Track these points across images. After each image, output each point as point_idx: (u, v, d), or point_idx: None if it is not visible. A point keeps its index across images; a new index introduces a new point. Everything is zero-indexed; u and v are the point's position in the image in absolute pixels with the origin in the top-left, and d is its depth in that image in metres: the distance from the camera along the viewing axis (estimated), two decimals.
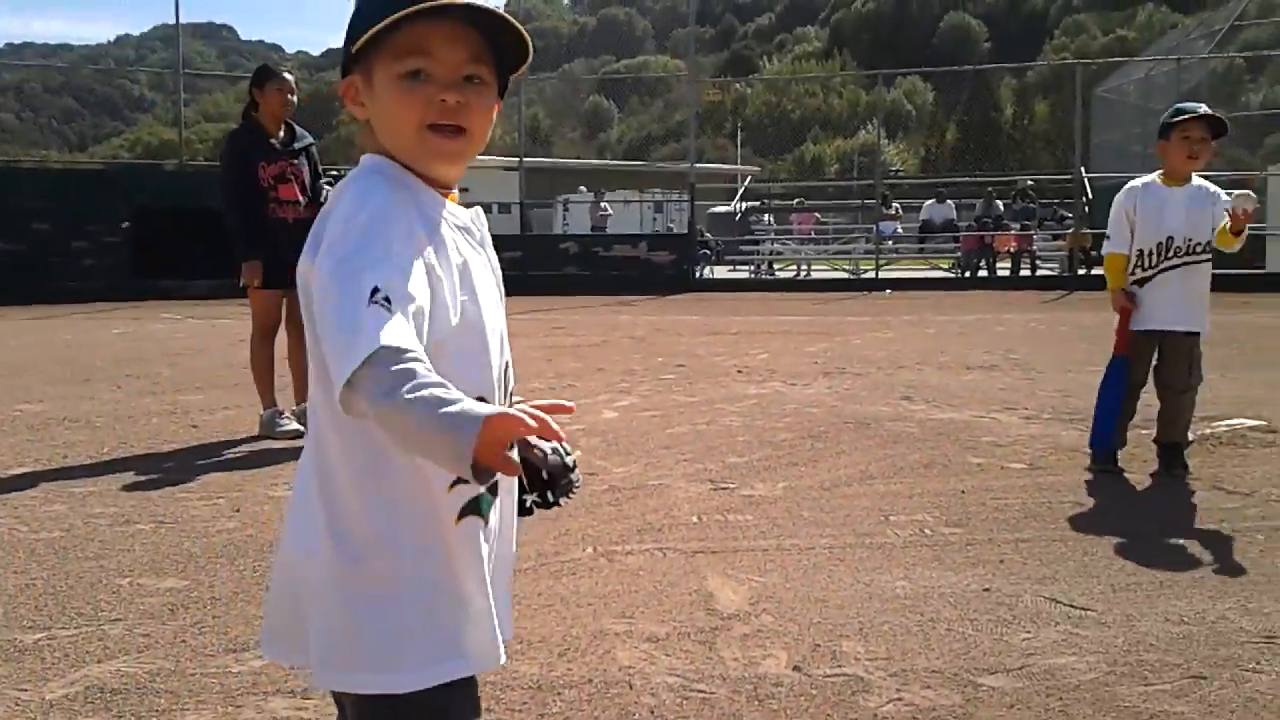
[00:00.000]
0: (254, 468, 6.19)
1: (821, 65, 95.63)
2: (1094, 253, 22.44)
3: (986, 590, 3.98)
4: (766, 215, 32.67)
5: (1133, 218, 5.49)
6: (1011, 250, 23.48)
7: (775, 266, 27.54)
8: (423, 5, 1.48)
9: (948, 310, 17.10)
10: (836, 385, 9.11)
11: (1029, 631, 3.59)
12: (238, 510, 5.22)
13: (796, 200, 35.92)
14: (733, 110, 73.52)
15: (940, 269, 25.62)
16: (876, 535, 4.71)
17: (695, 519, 5.04)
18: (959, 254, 24.55)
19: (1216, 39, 28.45)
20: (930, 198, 26.95)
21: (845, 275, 24.65)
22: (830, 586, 4.06)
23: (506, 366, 1.74)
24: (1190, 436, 5.65)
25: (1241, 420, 6.74)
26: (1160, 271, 5.45)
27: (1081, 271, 21.74)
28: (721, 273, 27.20)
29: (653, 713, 3.05)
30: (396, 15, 1.48)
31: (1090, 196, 23.61)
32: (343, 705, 1.71)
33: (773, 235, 29.65)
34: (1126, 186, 5.64)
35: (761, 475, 5.88)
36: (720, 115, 71.63)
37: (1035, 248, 23.78)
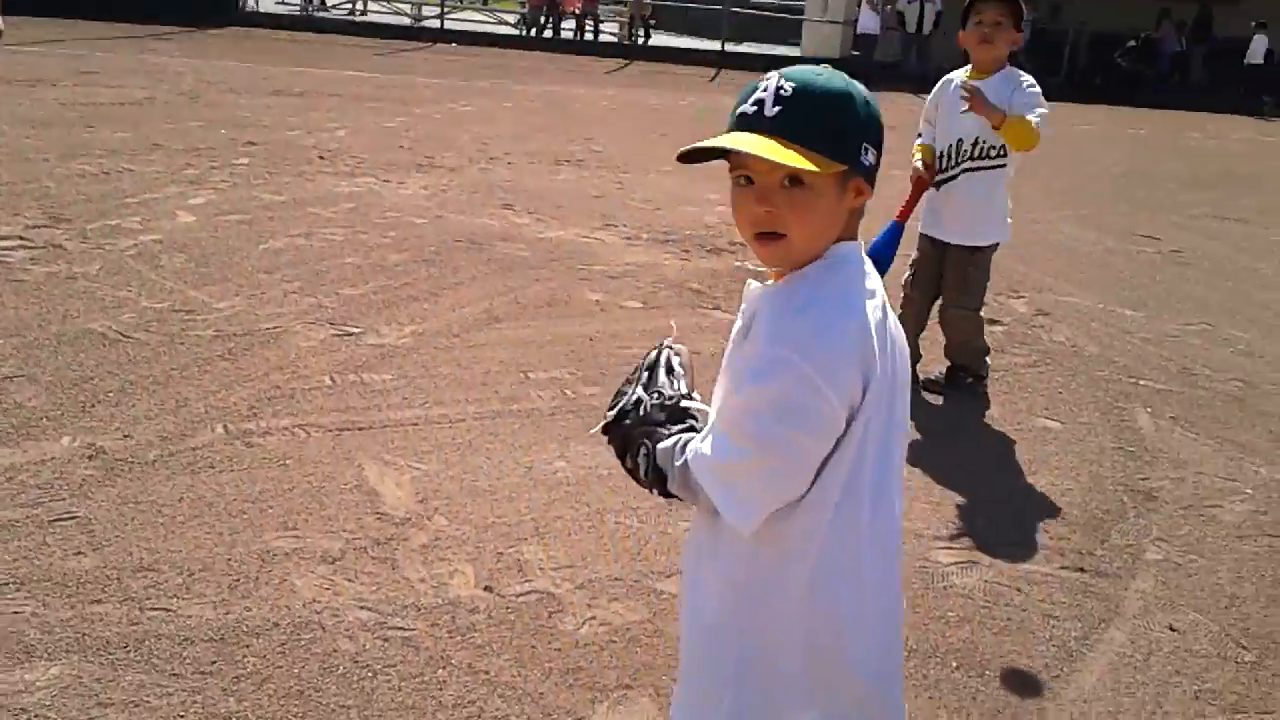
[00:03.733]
0: None
1: None
2: (652, 22, 23.06)
3: None
4: None
5: (932, 116, 4.90)
6: (576, 11, 23.49)
7: (328, 3, 25.64)
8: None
9: (520, 78, 16.96)
10: (433, 185, 8.82)
11: (688, 520, 3.81)
12: None
13: None
14: None
15: (506, 24, 25.14)
16: (521, 400, 4.71)
17: (329, 380, 4.76)
18: (525, 10, 24.19)
19: None
20: None
21: (407, 21, 23.50)
22: (493, 473, 4.04)
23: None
24: (982, 371, 5.07)
25: None
26: (953, 177, 4.81)
27: (641, 40, 22.26)
28: (268, 4, 24.91)
29: (355, 661, 2.93)
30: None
31: None
32: None
33: None
34: (942, 79, 4.96)
35: (383, 314, 5.63)
36: None
37: (598, 10, 23.95)
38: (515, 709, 2.80)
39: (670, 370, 1.86)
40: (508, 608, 3.22)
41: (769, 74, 1.62)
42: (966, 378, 5.04)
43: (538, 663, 2.98)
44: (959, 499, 4.06)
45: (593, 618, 3.20)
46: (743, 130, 1.60)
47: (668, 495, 1.77)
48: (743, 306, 1.75)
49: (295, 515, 3.64)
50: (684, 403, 1.82)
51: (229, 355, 4.95)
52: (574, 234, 7.55)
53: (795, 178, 1.58)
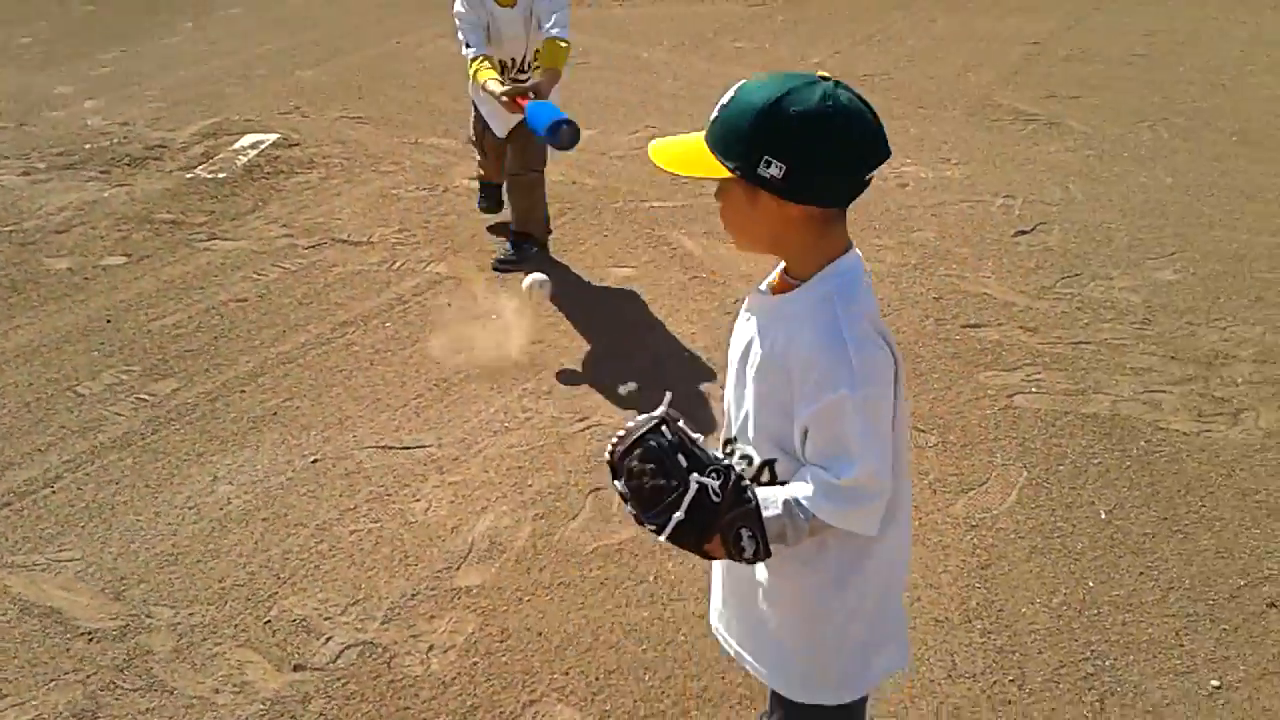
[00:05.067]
0: None
1: None
2: None
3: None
4: None
5: (469, 19, 4.63)
6: None
7: None
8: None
9: None
10: None
11: (421, 497, 3.56)
12: None
13: None
14: None
15: None
16: (103, 427, 3.94)
17: None
18: None
19: None
20: None
21: None
22: (162, 530, 3.40)
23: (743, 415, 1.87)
24: (544, 238, 5.17)
25: (259, 137, 6.72)
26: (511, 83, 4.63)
27: None
28: None
29: None
30: None
31: None
32: None
33: None
34: None
35: None
36: None
37: None
38: None
39: (695, 442, 1.75)
40: (339, 679, 2.85)
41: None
42: (532, 247, 5.10)
43: None
44: (610, 385, 4.21)
45: (429, 648, 2.95)
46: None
47: (768, 558, 1.75)
48: (749, 316, 1.85)
49: None
50: (733, 465, 1.77)
51: None
52: None
53: (720, 186, 1.75)
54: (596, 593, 3.12)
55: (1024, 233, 5.24)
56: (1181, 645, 2.87)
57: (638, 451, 1.72)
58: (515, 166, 4.98)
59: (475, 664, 2.89)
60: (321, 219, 5.68)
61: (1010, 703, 2.72)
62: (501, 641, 2.96)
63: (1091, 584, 3.09)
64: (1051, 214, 5.44)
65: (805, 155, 1.64)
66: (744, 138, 1.66)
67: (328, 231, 5.53)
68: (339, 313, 4.74)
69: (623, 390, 4.08)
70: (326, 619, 3.05)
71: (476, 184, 5.59)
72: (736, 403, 1.87)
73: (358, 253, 5.30)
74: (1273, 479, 3.48)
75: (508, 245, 5.14)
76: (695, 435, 1.76)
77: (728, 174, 1.69)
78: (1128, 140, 6.41)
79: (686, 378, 4.15)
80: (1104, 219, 5.36)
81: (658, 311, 4.68)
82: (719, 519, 1.69)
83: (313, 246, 5.36)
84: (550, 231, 5.19)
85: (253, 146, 6.60)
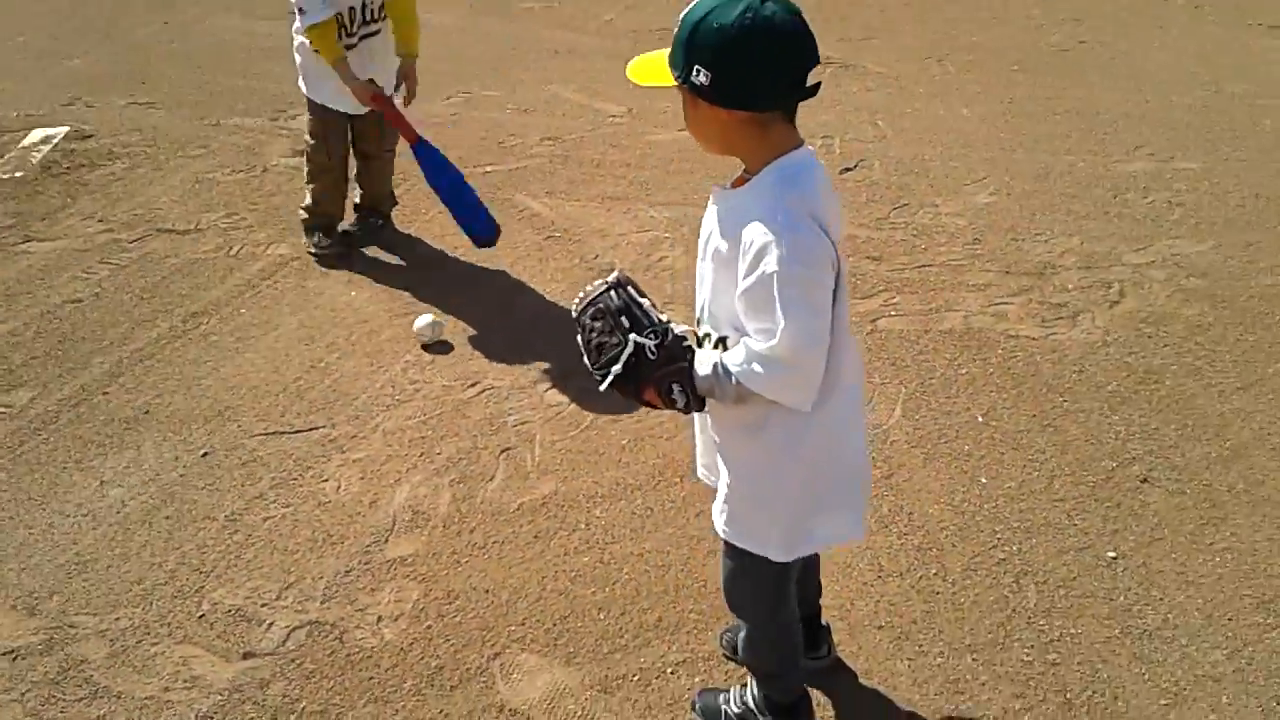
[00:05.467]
0: None
1: None
2: None
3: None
4: None
5: None
6: None
7: None
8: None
9: None
10: None
11: (330, 476, 3.50)
12: None
13: None
14: None
15: None
16: None
17: None
18: None
19: None
20: None
21: None
22: (58, 542, 3.23)
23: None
24: (389, 209, 5.05)
25: (48, 131, 6.28)
26: (361, 39, 4.46)
27: None
28: None
29: None
30: None
31: None
32: None
33: None
34: None
35: None
36: None
37: None
38: None
39: (640, 306, 2.01)
40: (294, 660, 2.81)
41: None
42: (379, 220, 5.02)
43: (395, 691, 2.73)
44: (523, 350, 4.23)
45: (378, 619, 2.94)
46: None
47: (701, 409, 2.05)
48: (714, 206, 2.04)
49: None
50: (675, 329, 2.01)
51: None
52: None
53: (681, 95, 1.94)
54: (533, 545, 3.18)
55: (849, 169, 5.53)
56: (1074, 525, 3.18)
57: (590, 311, 2.02)
58: (374, 149, 4.81)
59: (429, 628, 2.91)
60: (140, 210, 5.39)
61: (938, 593, 2.96)
62: (450, 603, 2.99)
63: (984, 480, 3.38)
64: (869, 150, 5.76)
65: (723, 64, 1.82)
66: (680, 50, 1.87)
67: (150, 222, 5.26)
68: (186, 304, 4.55)
69: (510, 354, 4.11)
70: (263, 605, 2.99)
71: (306, 219, 4.87)
72: (699, 286, 2.08)
73: (188, 241, 5.08)
74: (1119, 370, 3.87)
75: (353, 220, 5.05)
76: (643, 300, 2.02)
77: (674, 83, 1.90)
78: (921, 77, 6.82)
79: (562, 334, 4.21)
80: (917, 152, 5.72)
81: (520, 273, 4.71)
82: (653, 374, 1.98)
83: (138, 239, 5.10)
84: (396, 203, 5.12)
85: (44, 142, 6.17)
